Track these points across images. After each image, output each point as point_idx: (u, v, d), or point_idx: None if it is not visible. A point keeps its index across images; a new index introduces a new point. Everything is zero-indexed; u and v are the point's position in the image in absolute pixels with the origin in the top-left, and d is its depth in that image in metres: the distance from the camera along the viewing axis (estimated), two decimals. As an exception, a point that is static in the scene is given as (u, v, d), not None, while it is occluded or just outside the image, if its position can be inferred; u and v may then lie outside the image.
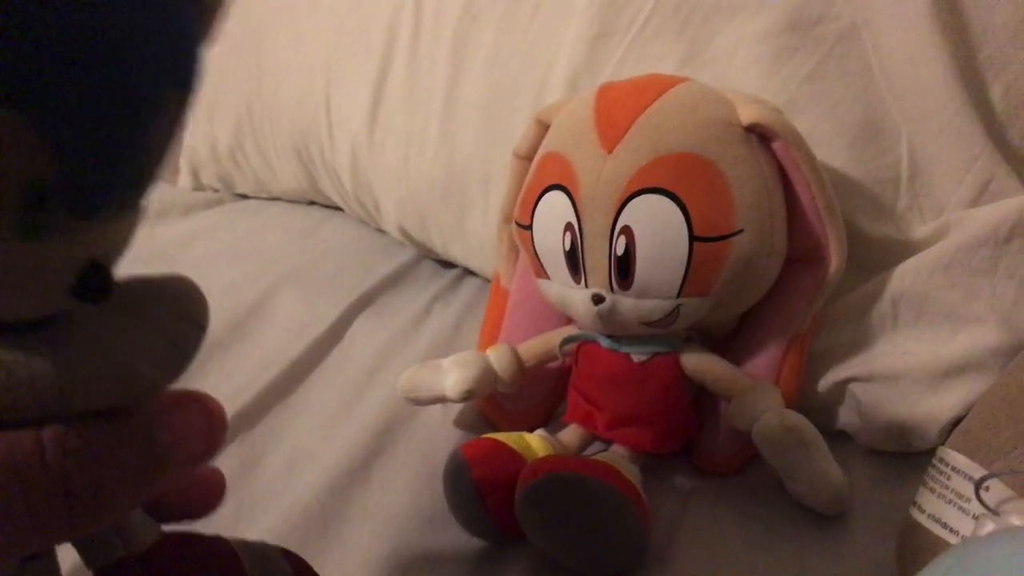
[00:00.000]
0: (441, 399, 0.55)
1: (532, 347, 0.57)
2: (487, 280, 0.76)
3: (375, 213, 0.85)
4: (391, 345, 0.69)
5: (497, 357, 0.55)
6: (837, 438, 0.55)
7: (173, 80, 0.22)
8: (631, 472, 0.49)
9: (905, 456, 0.54)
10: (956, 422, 0.48)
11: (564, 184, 0.50)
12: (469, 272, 0.80)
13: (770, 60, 0.58)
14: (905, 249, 0.55)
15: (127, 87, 0.20)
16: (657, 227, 0.47)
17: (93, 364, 0.23)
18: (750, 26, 0.59)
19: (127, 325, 0.24)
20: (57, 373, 0.22)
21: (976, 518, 0.37)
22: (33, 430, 0.21)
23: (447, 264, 0.83)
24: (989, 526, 0.34)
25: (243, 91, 0.93)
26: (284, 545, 0.48)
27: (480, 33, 0.72)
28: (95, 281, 0.23)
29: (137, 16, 0.20)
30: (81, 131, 0.20)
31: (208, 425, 0.26)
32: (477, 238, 0.74)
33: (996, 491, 0.37)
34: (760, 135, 0.50)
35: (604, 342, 0.53)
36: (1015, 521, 0.34)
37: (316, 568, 0.47)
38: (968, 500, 0.38)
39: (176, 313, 0.26)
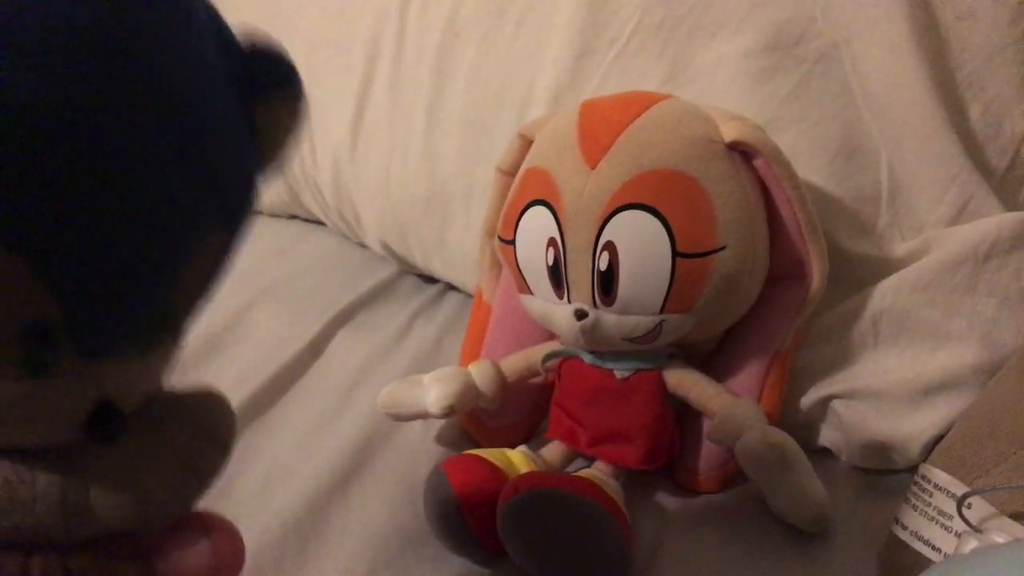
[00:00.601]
0: (422, 415, 0.55)
1: (514, 363, 0.57)
2: (469, 295, 0.75)
3: (356, 227, 0.85)
4: (371, 361, 0.69)
5: (479, 372, 0.55)
6: (819, 455, 0.55)
7: (215, 224, 0.22)
8: (613, 489, 0.49)
9: (887, 473, 0.54)
10: (937, 439, 0.48)
11: (547, 199, 0.50)
12: (451, 287, 0.80)
13: (751, 79, 0.59)
14: (886, 267, 0.55)
15: (145, 234, 0.20)
16: (640, 243, 0.47)
17: (104, 490, 0.22)
18: (731, 45, 0.60)
19: (143, 448, 0.24)
20: (62, 498, 0.21)
21: (959, 535, 0.36)
22: (21, 556, 0.20)
23: (429, 279, 0.82)
24: (972, 543, 0.34)
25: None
26: (261, 563, 0.47)
27: (463, 49, 0.72)
28: (104, 421, 0.22)
29: (166, 163, 0.19)
30: (86, 274, 0.19)
31: (214, 563, 0.25)
32: (459, 253, 0.73)
33: (978, 508, 0.37)
34: (742, 152, 0.50)
35: (587, 358, 0.53)
36: (997, 538, 0.34)
37: (294, 586, 0.46)
38: (950, 517, 0.38)
39: (197, 433, 0.25)
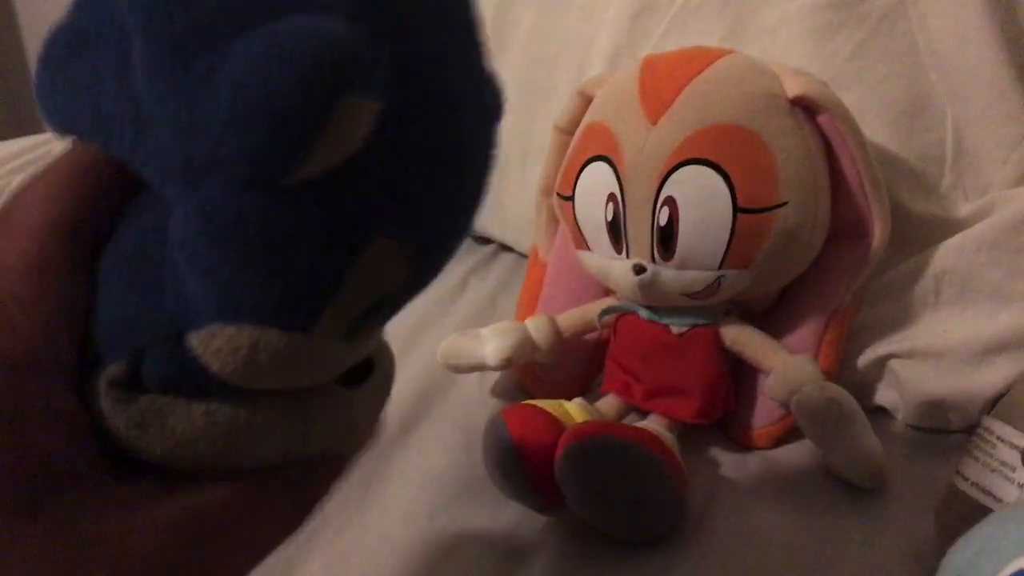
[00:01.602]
0: (480, 367, 0.56)
1: (570, 318, 0.57)
2: (522, 255, 0.76)
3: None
4: (427, 317, 0.70)
5: (536, 327, 0.56)
6: (876, 414, 0.55)
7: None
8: (669, 441, 0.49)
9: (943, 433, 0.54)
10: (996, 400, 0.48)
11: (607, 155, 0.51)
12: (504, 247, 0.81)
13: (814, 37, 0.58)
14: (949, 227, 0.55)
15: (468, 214, 0.23)
16: (701, 198, 0.48)
17: (324, 423, 0.24)
18: (795, 2, 0.59)
19: (362, 385, 0.25)
20: (288, 428, 0.22)
21: (1021, 486, 0.37)
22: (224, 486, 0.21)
23: (482, 239, 0.83)
24: (1035, 493, 0.34)
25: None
26: (326, 507, 0.49)
27: (520, 11, 0.72)
28: (364, 372, 0.24)
29: (483, 158, 0.22)
30: (434, 254, 0.22)
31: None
32: (514, 214, 0.74)
33: (1042, 460, 0.37)
34: (806, 108, 0.50)
35: (643, 313, 0.53)
36: (1062, 488, 0.34)
37: (357, 526, 0.48)
38: (1013, 468, 0.38)
39: (388, 372, 0.27)
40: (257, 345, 0.20)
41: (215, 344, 0.20)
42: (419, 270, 0.21)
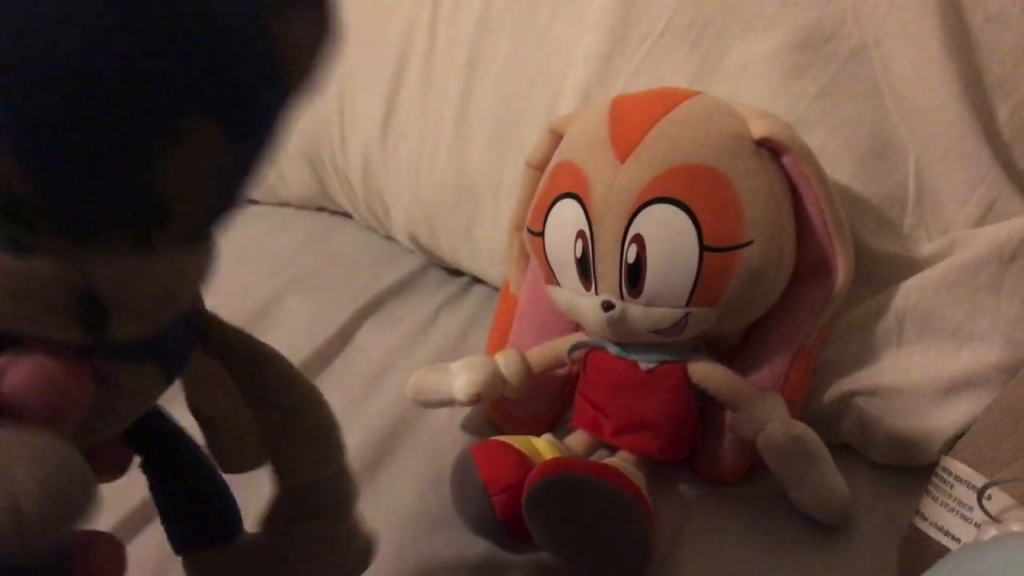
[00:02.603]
0: (449, 402, 0.56)
1: (540, 353, 0.58)
2: (494, 289, 0.76)
3: (384, 220, 0.86)
4: (398, 350, 0.70)
5: (506, 362, 0.56)
6: (840, 451, 0.55)
7: (197, 110, 0.21)
8: (637, 477, 0.49)
9: (907, 470, 0.54)
10: (958, 437, 0.49)
11: (577, 192, 0.51)
12: (476, 280, 0.81)
13: (780, 77, 0.59)
14: (911, 266, 0.56)
15: (112, 111, 0.20)
16: (668, 236, 0.48)
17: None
18: (761, 44, 0.60)
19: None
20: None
21: (978, 526, 0.37)
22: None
23: (455, 272, 0.83)
24: (991, 533, 0.34)
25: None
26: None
27: (494, 44, 0.73)
28: (90, 312, 0.23)
29: (134, 45, 0.19)
30: (55, 150, 0.20)
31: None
32: (486, 247, 0.74)
33: (998, 500, 0.38)
34: (771, 149, 0.51)
35: (612, 349, 0.54)
36: (1016, 528, 0.34)
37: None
38: (970, 508, 0.38)
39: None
40: None
41: None
42: (42, 172, 0.20)
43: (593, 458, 0.56)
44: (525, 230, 0.57)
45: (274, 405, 0.34)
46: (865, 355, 0.55)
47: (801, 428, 0.49)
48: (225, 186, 0.24)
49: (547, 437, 0.54)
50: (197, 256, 0.26)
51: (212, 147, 0.22)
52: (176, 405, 0.36)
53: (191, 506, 0.36)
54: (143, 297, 0.24)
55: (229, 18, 0.21)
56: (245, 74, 0.22)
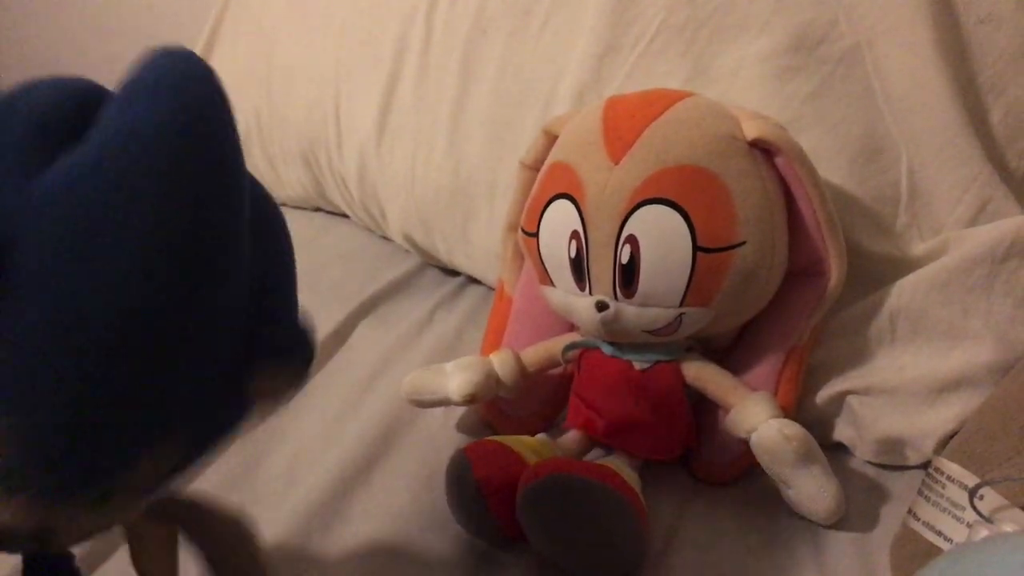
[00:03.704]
0: (444, 402, 0.56)
1: (535, 353, 0.58)
2: (489, 289, 0.76)
3: (380, 220, 0.86)
4: (393, 350, 0.70)
5: (500, 362, 0.56)
6: (834, 450, 0.56)
7: (172, 427, 0.25)
8: (631, 477, 0.50)
9: (900, 469, 0.55)
10: (951, 436, 0.49)
11: (571, 193, 0.51)
12: (472, 280, 0.81)
13: (773, 79, 0.60)
14: (904, 266, 0.56)
15: (110, 426, 0.23)
16: (661, 237, 0.48)
17: None
18: (754, 46, 0.61)
19: None
20: None
21: (970, 526, 0.37)
22: None
23: (450, 272, 0.83)
24: (983, 533, 0.35)
25: (252, 97, 0.94)
26: (287, 544, 0.49)
27: (489, 46, 0.73)
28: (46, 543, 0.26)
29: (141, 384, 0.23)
30: (53, 439, 0.23)
31: None
32: (481, 247, 0.75)
33: (990, 499, 0.38)
34: (763, 150, 0.51)
35: (606, 349, 0.54)
36: (1008, 528, 0.34)
37: (319, 566, 0.48)
38: (962, 508, 0.39)
39: None
40: None
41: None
42: (35, 449, 0.23)
43: (587, 458, 0.56)
44: (519, 230, 0.57)
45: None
46: (858, 355, 0.56)
47: (794, 428, 0.49)
48: (185, 466, 0.28)
49: (541, 437, 0.54)
50: (147, 498, 0.29)
51: (177, 452, 0.26)
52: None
53: None
54: (92, 528, 0.27)
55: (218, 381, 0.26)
56: (220, 413, 0.27)
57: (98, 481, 0.25)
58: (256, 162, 0.98)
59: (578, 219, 0.51)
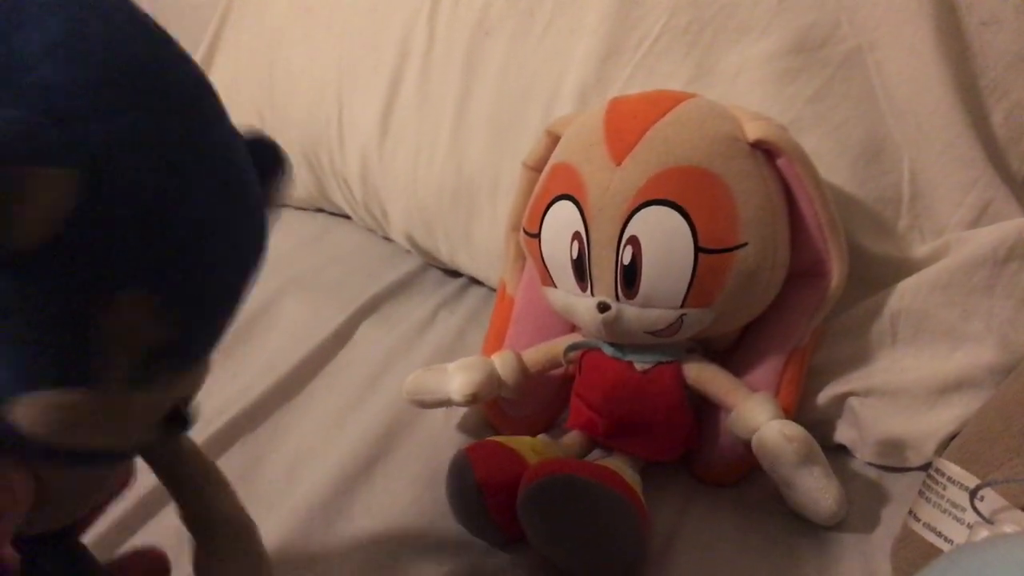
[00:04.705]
0: (446, 402, 0.56)
1: (536, 354, 0.58)
2: (491, 289, 0.76)
3: (383, 221, 0.86)
4: (395, 350, 0.70)
5: (502, 363, 0.56)
6: (835, 451, 0.56)
7: (257, 264, 0.29)
8: (632, 478, 0.50)
9: (901, 471, 0.55)
10: (951, 438, 0.49)
11: (573, 194, 0.51)
12: (474, 281, 0.81)
13: (775, 80, 0.60)
14: (905, 267, 0.56)
15: (237, 271, 0.26)
16: (663, 238, 0.48)
17: None
18: (756, 47, 0.61)
19: None
20: None
21: (970, 527, 0.37)
22: None
23: (452, 273, 0.84)
24: (983, 534, 0.35)
25: (255, 98, 0.94)
26: (287, 543, 0.49)
27: (492, 47, 0.73)
28: (178, 419, 0.28)
29: (242, 224, 0.27)
30: (197, 306, 0.25)
31: None
32: (484, 247, 0.75)
33: (990, 501, 0.38)
34: (765, 151, 0.51)
35: (608, 350, 0.54)
36: (1008, 529, 0.34)
37: (320, 566, 0.48)
38: (963, 509, 0.39)
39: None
40: (49, 407, 0.23)
41: (18, 412, 0.23)
42: (188, 320, 0.25)
43: (588, 459, 0.56)
44: (521, 231, 0.57)
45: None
46: (859, 356, 0.56)
47: (796, 429, 0.49)
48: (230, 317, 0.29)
49: (542, 437, 0.54)
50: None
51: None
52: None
53: None
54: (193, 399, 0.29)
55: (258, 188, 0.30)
56: (268, 222, 0.31)
57: (227, 326, 0.28)
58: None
59: (580, 220, 0.51)
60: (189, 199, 0.23)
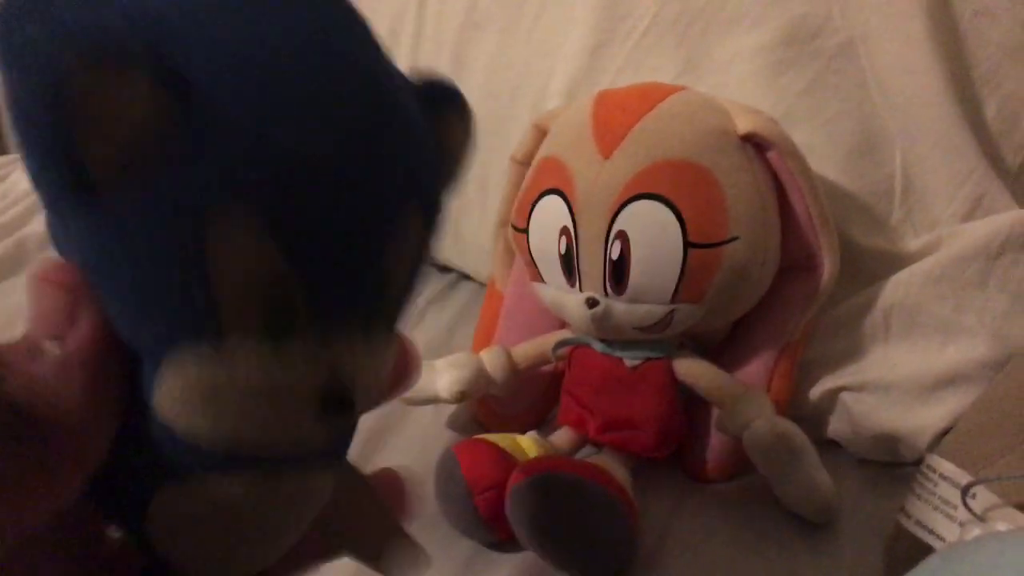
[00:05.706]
0: (434, 400, 0.55)
1: (525, 350, 0.57)
2: (481, 285, 0.76)
3: (372, 217, 0.86)
4: (385, 347, 0.69)
5: (491, 359, 0.55)
6: (827, 447, 0.55)
7: (414, 202, 0.23)
8: (622, 476, 0.49)
9: (893, 466, 0.54)
10: (945, 433, 0.49)
11: (561, 188, 0.51)
12: (463, 277, 0.81)
13: (767, 73, 0.59)
14: (898, 261, 0.56)
15: (362, 200, 0.21)
16: (652, 233, 0.48)
17: None
18: (747, 39, 0.60)
19: None
20: None
21: (962, 524, 0.37)
22: None
23: (442, 268, 0.83)
24: (975, 532, 0.34)
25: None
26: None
27: (481, 40, 0.72)
28: (338, 397, 0.23)
29: (372, 140, 0.22)
30: (319, 239, 0.21)
31: None
32: (473, 243, 0.74)
33: (982, 498, 0.37)
34: (756, 144, 0.51)
35: (597, 346, 0.54)
36: (1000, 527, 0.34)
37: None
38: (955, 507, 0.38)
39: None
40: (180, 377, 0.20)
41: (157, 396, 0.20)
42: (308, 260, 0.21)
43: (578, 455, 0.56)
44: (509, 226, 0.57)
45: None
46: (851, 351, 0.55)
47: (787, 425, 0.49)
48: (415, 273, 0.25)
49: (532, 435, 0.54)
50: (392, 350, 0.25)
51: (416, 231, 0.24)
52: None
53: None
54: (369, 390, 0.24)
55: (419, 123, 0.24)
56: (433, 167, 0.25)
57: (365, 277, 0.22)
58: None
59: (568, 214, 0.50)
60: (295, 120, 0.20)
